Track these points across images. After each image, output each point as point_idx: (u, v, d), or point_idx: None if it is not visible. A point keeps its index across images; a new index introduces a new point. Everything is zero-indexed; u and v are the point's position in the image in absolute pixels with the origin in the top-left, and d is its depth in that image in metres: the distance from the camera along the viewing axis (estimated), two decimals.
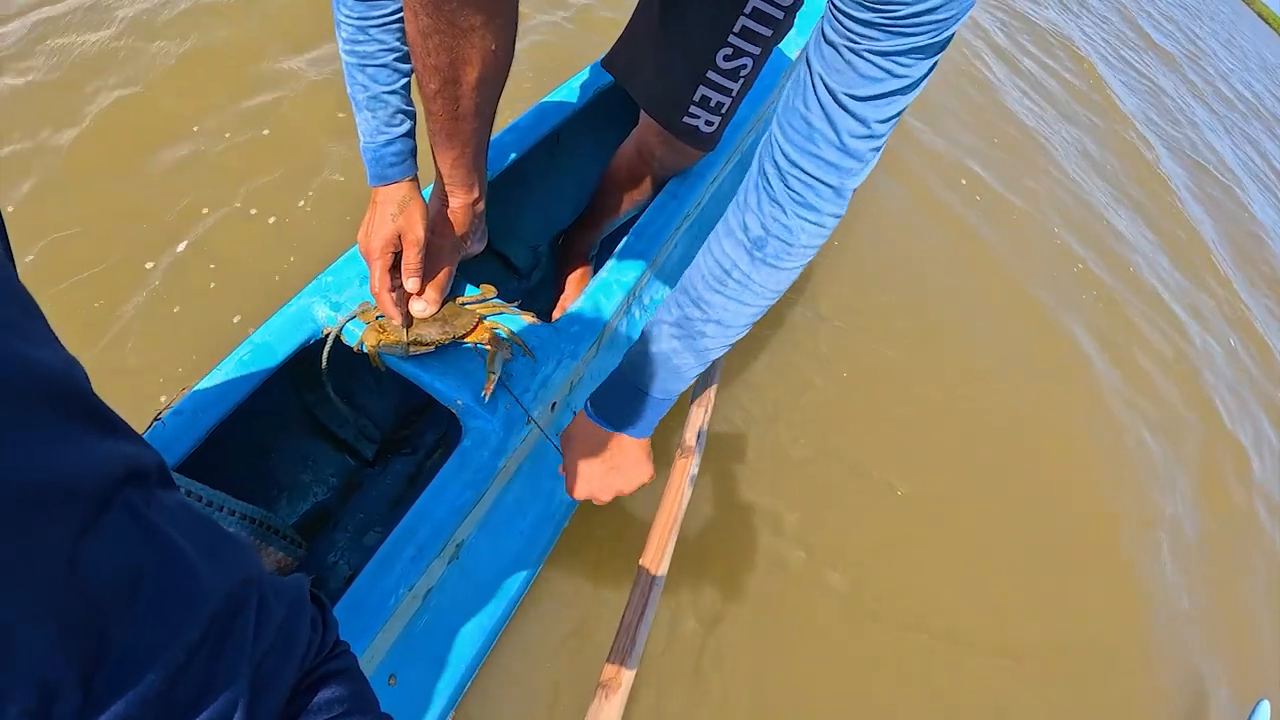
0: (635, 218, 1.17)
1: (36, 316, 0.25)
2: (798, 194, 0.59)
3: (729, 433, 1.44)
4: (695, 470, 0.85)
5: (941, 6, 0.49)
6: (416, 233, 0.79)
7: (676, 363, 0.68)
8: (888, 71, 0.52)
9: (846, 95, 0.53)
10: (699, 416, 0.88)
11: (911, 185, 2.39)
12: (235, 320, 1.25)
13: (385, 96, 0.75)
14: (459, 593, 0.83)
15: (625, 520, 1.24)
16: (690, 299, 0.66)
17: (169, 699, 0.26)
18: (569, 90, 1.28)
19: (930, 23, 0.49)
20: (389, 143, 0.77)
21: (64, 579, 0.23)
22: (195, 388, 0.80)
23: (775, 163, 0.59)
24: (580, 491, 0.77)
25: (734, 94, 1.04)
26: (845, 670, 1.26)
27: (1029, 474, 1.75)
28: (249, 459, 1.00)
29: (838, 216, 0.61)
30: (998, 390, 1.91)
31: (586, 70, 1.31)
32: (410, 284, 0.82)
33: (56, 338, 0.26)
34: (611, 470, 0.75)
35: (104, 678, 0.24)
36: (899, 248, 2.15)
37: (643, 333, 0.69)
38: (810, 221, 0.60)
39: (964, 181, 2.57)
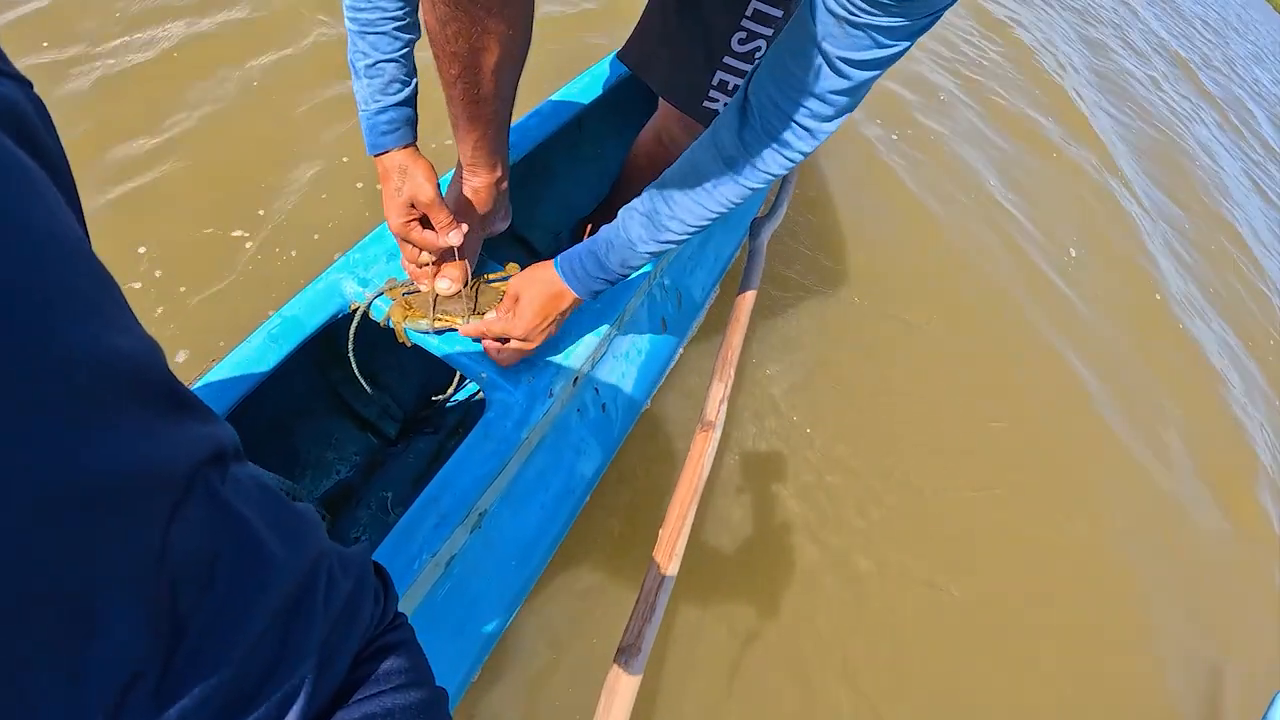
0: None
1: (120, 301, 0.25)
2: (775, 128, 0.66)
3: (750, 409, 1.45)
4: (715, 445, 0.85)
5: None
6: (426, 194, 0.78)
7: (639, 247, 0.78)
8: (879, 44, 0.58)
9: (839, 59, 0.59)
10: (719, 391, 0.88)
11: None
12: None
13: (383, 64, 0.75)
14: (481, 562, 0.84)
15: (644, 496, 1.24)
16: (662, 196, 0.75)
17: (241, 677, 0.26)
18: (591, 79, 1.30)
19: (929, 11, 0.56)
20: (381, 110, 0.77)
21: (153, 566, 0.23)
22: (224, 360, 0.82)
23: (760, 99, 0.66)
24: (525, 329, 0.82)
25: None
26: (865, 634, 1.26)
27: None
28: (273, 436, 1.02)
29: (805, 154, 0.69)
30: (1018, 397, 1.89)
31: (607, 59, 1.33)
32: (453, 237, 0.81)
33: (137, 320, 0.26)
34: (552, 318, 0.84)
35: (181, 660, 0.24)
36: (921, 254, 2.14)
37: (619, 216, 0.79)
38: (781, 154, 0.68)
39: None
